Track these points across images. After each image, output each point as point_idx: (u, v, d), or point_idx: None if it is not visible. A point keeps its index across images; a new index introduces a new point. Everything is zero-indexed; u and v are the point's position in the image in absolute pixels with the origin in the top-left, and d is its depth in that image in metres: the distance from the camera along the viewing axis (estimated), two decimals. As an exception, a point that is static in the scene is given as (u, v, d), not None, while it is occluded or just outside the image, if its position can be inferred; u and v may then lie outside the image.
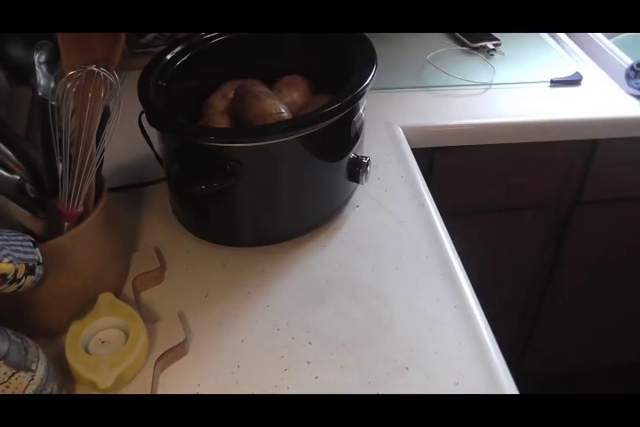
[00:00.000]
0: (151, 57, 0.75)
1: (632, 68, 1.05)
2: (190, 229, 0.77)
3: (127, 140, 0.75)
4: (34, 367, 0.52)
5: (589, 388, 1.55)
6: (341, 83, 0.70)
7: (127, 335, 0.61)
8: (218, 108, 0.77)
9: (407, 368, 0.62)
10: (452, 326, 0.66)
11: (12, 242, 0.51)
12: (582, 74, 1.10)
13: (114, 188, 0.80)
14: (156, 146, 0.77)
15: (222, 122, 0.74)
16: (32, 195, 0.61)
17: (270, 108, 0.70)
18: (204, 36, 0.78)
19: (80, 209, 0.61)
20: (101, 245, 0.65)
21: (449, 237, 0.77)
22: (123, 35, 0.59)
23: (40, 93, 0.63)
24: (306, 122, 0.66)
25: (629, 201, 1.19)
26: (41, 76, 0.64)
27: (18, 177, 0.60)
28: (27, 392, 0.51)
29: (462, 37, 1.19)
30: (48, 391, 0.54)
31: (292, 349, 0.64)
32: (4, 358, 0.50)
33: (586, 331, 1.45)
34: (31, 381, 0.52)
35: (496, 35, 1.19)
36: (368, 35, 0.77)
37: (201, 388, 0.60)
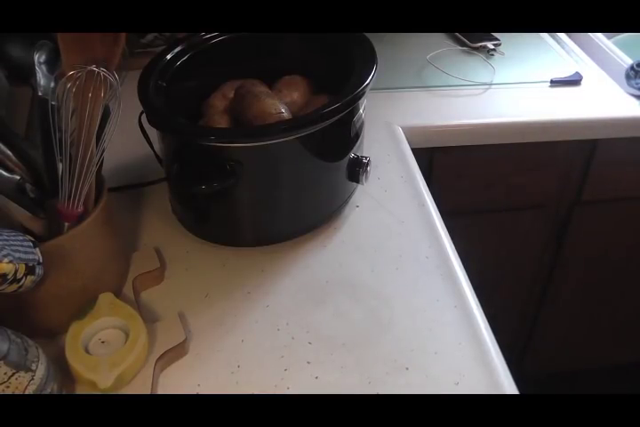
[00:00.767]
0: (151, 57, 0.75)
1: (632, 68, 1.05)
2: (190, 229, 0.76)
3: (127, 140, 0.75)
4: (34, 367, 0.52)
5: (589, 388, 1.55)
6: (341, 83, 0.70)
7: (127, 335, 0.61)
8: (218, 108, 0.77)
9: (407, 368, 0.62)
10: (451, 326, 0.66)
11: (11, 242, 0.51)
12: (582, 74, 1.10)
13: (114, 188, 0.80)
14: (156, 146, 0.77)
15: (222, 122, 0.74)
16: (32, 195, 0.61)
17: (270, 108, 0.70)
18: (203, 36, 0.78)
19: (80, 209, 0.61)
20: (101, 245, 0.65)
21: (449, 237, 0.77)
22: (123, 35, 0.59)
23: (40, 93, 0.63)
24: (306, 122, 0.66)
25: (629, 201, 1.19)
26: (41, 76, 0.64)
27: (18, 177, 0.60)
28: (27, 392, 0.51)
29: (462, 37, 1.19)
30: (48, 391, 0.54)
31: (292, 349, 0.64)
32: (4, 358, 0.50)
33: (586, 331, 1.45)
34: (31, 381, 0.52)
35: (496, 35, 1.19)
36: (368, 35, 0.77)
37: (201, 388, 0.60)
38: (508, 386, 0.60)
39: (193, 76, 0.78)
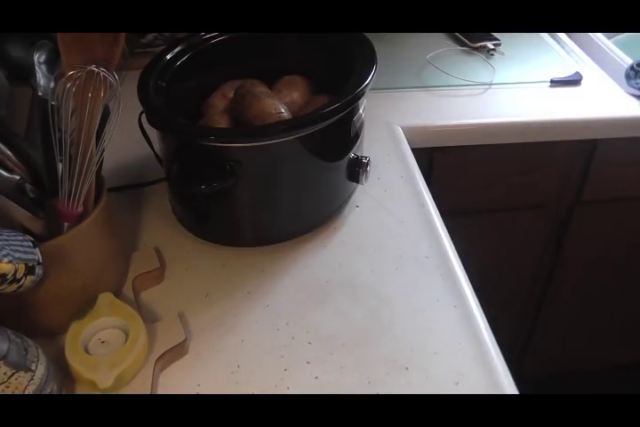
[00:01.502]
0: (151, 57, 0.75)
1: (632, 68, 1.05)
2: (190, 229, 0.77)
3: (127, 140, 0.75)
4: (33, 367, 0.52)
5: (589, 388, 1.55)
6: (341, 83, 0.70)
7: (127, 335, 0.61)
8: (218, 107, 0.77)
9: (407, 368, 0.62)
10: (451, 326, 0.66)
11: (11, 242, 0.51)
12: (582, 74, 1.10)
13: (114, 188, 0.80)
14: (156, 146, 0.77)
15: (222, 122, 0.74)
16: (32, 195, 0.61)
17: (270, 108, 0.70)
18: (203, 36, 0.78)
19: (80, 209, 0.61)
20: (101, 245, 0.65)
21: (449, 237, 0.77)
22: (122, 35, 0.59)
23: (40, 93, 0.63)
24: (305, 122, 0.66)
25: (629, 201, 1.19)
26: (41, 76, 0.64)
27: (18, 177, 0.60)
28: (26, 392, 0.51)
29: (462, 37, 1.19)
30: (48, 391, 0.54)
31: (292, 349, 0.64)
32: (4, 358, 0.50)
33: (586, 331, 1.45)
34: (31, 381, 0.52)
35: (496, 35, 1.19)
36: (368, 35, 0.77)
37: (201, 388, 0.60)
38: (508, 386, 0.60)
39: (193, 76, 0.78)
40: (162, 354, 0.62)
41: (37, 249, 0.54)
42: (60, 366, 0.58)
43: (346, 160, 0.74)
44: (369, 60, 0.72)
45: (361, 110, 0.73)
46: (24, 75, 0.70)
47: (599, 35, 1.21)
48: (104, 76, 0.57)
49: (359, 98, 0.69)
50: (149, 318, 0.66)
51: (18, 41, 0.84)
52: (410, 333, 0.65)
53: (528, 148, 1.04)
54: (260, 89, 0.73)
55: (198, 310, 0.68)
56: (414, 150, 0.93)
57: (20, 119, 0.67)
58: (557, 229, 1.21)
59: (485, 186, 1.11)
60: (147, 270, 0.70)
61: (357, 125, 0.74)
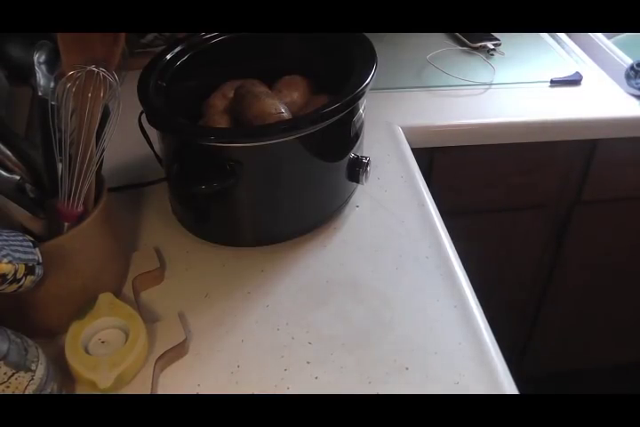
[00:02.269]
0: (151, 57, 0.75)
1: (632, 68, 1.05)
2: (190, 230, 0.77)
3: (127, 140, 0.75)
4: (34, 367, 0.52)
5: (589, 388, 1.55)
6: (341, 83, 0.70)
7: (127, 335, 0.61)
8: (218, 107, 0.77)
9: (407, 368, 0.62)
10: (452, 326, 0.66)
11: (11, 242, 0.51)
12: (582, 74, 1.10)
13: (114, 188, 0.80)
14: (156, 146, 0.77)
15: (222, 122, 0.74)
16: (32, 195, 0.61)
17: (270, 108, 0.70)
18: (203, 36, 0.78)
19: (80, 209, 0.61)
20: (101, 245, 0.65)
21: (449, 237, 0.77)
22: (122, 35, 0.59)
23: (40, 93, 0.63)
24: (305, 122, 0.66)
25: (629, 201, 1.19)
26: (41, 76, 0.64)
27: (18, 177, 0.60)
28: (26, 392, 0.51)
29: (462, 37, 1.19)
30: (48, 391, 0.54)
31: (292, 349, 0.64)
32: (4, 358, 0.50)
33: (586, 331, 1.45)
34: (31, 381, 0.52)
35: (496, 35, 1.19)
36: (368, 35, 0.77)
37: (201, 388, 0.60)
38: (508, 386, 0.60)
39: (193, 76, 0.78)
40: (162, 354, 0.62)
41: (37, 249, 0.54)
42: (60, 367, 0.58)
43: (346, 160, 0.74)
44: (369, 60, 0.72)
45: (361, 110, 0.73)
46: (24, 75, 0.70)
47: (599, 35, 1.21)
48: (104, 76, 0.57)
49: (359, 98, 0.69)
50: (149, 318, 0.66)
51: (18, 41, 0.84)
52: (410, 333, 0.65)
53: (528, 148, 1.04)
54: (260, 89, 0.73)
55: (198, 310, 0.68)
56: (414, 150, 0.93)
57: (20, 119, 0.67)
58: (557, 229, 1.21)
59: (485, 186, 1.11)
60: (147, 270, 0.70)
61: (357, 125, 0.74)
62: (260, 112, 0.70)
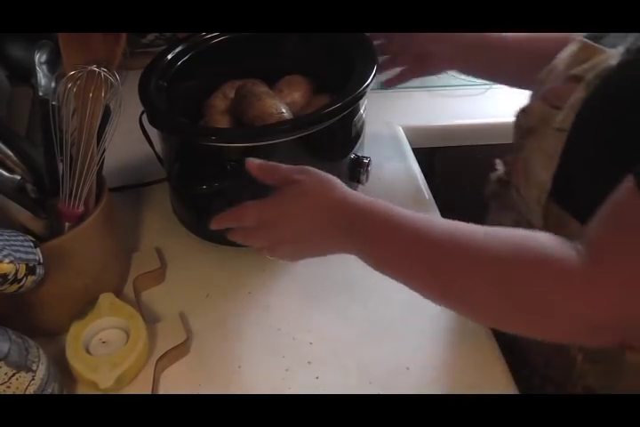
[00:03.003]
0: (152, 57, 0.75)
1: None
2: (191, 229, 0.76)
3: (128, 140, 0.75)
4: (34, 368, 0.52)
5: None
6: (342, 83, 0.70)
7: (128, 335, 0.61)
8: (218, 107, 0.77)
9: (407, 368, 0.62)
10: (452, 326, 0.66)
11: (12, 242, 0.51)
12: (583, 74, 1.10)
13: (115, 188, 0.80)
14: (157, 146, 0.77)
15: (223, 122, 0.74)
16: (33, 195, 0.61)
17: (271, 108, 0.70)
18: (204, 36, 0.78)
19: (81, 209, 0.61)
20: (102, 245, 0.65)
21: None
22: (123, 35, 0.59)
23: (41, 93, 0.63)
24: (306, 122, 0.66)
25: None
26: (42, 76, 0.64)
27: (18, 177, 0.60)
28: (27, 392, 0.51)
29: (463, 37, 1.19)
30: (49, 392, 0.54)
31: (293, 349, 0.64)
32: (5, 358, 0.50)
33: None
34: (32, 381, 0.52)
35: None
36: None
37: (202, 388, 0.60)
38: (508, 386, 0.60)
39: (193, 76, 0.78)
40: (163, 354, 0.62)
41: (38, 249, 0.54)
42: (61, 367, 0.58)
43: (347, 160, 0.74)
44: (369, 60, 0.72)
45: (362, 110, 0.73)
46: (25, 75, 0.70)
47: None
48: (105, 77, 0.57)
49: (360, 98, 0.69)
50: (150, 319, 0.66)
51: (19, 41, 0.84)
52: (410, 332, 0.65)
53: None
54: (261, 89, 0.73)
55: (199, 311, 0.68)
56: (414, 150, 0.93)
57: (21, 119, 0.67)
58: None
59: (485, 186, 1.10)
60: (148, 270, 0.70)
61: (358, 126, 0.74)
62: (260, 112, 0.69)
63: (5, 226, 0.57)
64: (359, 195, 0.56)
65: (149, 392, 0.59)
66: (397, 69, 0.83)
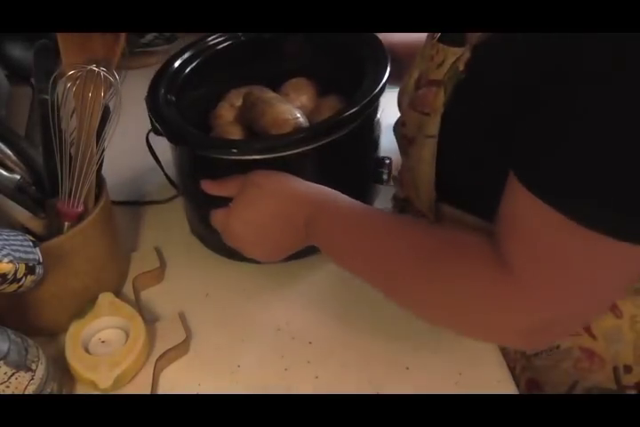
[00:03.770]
0: (151, 56, 0.74)
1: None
2: (208, 244, 0.74)
3: (127, 139, 0.74)
4: (34, 367, 0.52)
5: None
6: (351, 83, 0.67)
7: (127, 335, 0.61)
8: (226, 118, 0.74)
9: (407, 368, 0.62)
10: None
11: (12, 242, 0.51)
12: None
13: (119, 201, 0.79)
14: (162, 158, 0.76)
15: (234, 132, 0.71)
16: (32, 194, 0.61)
17: (286, 114, 0.66)
18: (202, 43, 0.75)
19: (80, 208, 0.61)
20: (101, 245, 0.65)
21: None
22: (123, 34, 0.59)
23: (40, 93, 0.63)
24: (331, 126, 0.62)
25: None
26: (41, 76, 0.64)
27: (18, 177, 0.60)
28: (26, 392, 0.51)
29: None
30: (48, 391, 0.54)
31: (293, 348, 0.64)
32: (4, 357, 0.50)
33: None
34: (31, 380, 0.52)
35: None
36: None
37: (201, 387, 0.60)
38: (508, 386, 0.60)
39: (196, 86, 0.74)
40: (162, 354, 0.62)
41: (38, 249, 0.54)
42: (61, 366, 0.58)
43: (369, 162, 0.71)
44: (381, 58, 0.69)
45: (380, 110, 0.70)
46: (24, 74, 0.70)
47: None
48: (104, 76, 0.57)
49: (379, 96, 0.65)
50: (150, 318, 0.66)
51: (18, 40, 0.84)
52: (410, 332, 0.65)
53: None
54: (270, 94, 0.71)
55: (198, 310, 0.68)
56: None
57: (21, 119, 0.67)
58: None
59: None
60: (147, 270, 0.70)
61: (377, 126, 0.71)
62: (275, 119, 0.66)
63: (5, 226, 0.57)
64: (308, 184, 0.59)
65: (149, 392, 0.59)
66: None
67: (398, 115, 0.69)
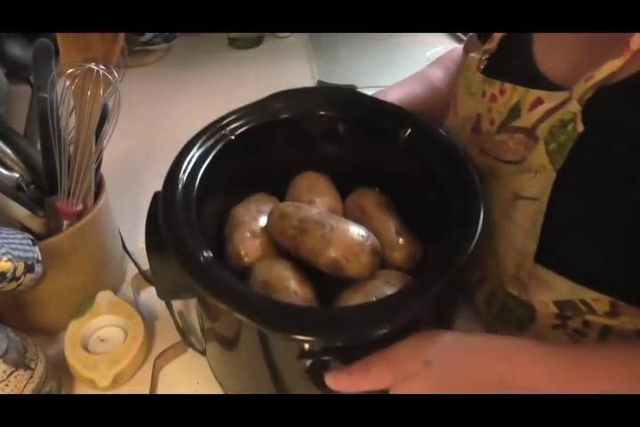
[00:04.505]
0: (150, 55, 0.73)
1: None
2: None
3: (127, 139, 0.74)
4: (33, 366, 0.52)
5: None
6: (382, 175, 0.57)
7: (126, 333, 0.61)
8: (247, 235, 0.56)
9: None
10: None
11: (10, 240, 0.51)
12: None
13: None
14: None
15: (257, 249, 0.56)
16: (31, 193, 0.61)
17: (358, 238, 0.52)
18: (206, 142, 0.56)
19: (79, 207, 0.61)
20: (100, 243, 0.65)
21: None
22: (122, 33, 0.59)
23: (39, 92, 0.63)
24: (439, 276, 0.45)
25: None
26: (40, 75, 0.64)
27: (17, 175, 0.60)
28: (25, 391, 0.51)
29: (462, 35, 1.19)
30: (47, 390, 0.54)
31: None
32: (3, 356, 0.50)
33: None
34: (30, 379, 0.52)
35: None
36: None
37: (200, 386, 0.60)
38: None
39: (211, 193, 0.55)
40: (161, 352, 0.62)
41: (36, 247, 0.54)
42: (60, 365, 0.58)
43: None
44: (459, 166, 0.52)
45: None
46: (23, 73, 0.70)
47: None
48: (103, 75, 0.57)
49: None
50: (149, 317, 0.66)
51: (17, 39, 0.84)
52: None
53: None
54: (312, 212, 0.55)
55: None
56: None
57: (20, 117, 0.67)
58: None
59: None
60: (146, 268, 0.70)
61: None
62: (346, 249, 0.51)
63: (4, 224, 0.57)
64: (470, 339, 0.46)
65: (148, 390, 0.59)
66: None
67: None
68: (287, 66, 1.14)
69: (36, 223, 0.61)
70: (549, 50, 0.52)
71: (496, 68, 0.55)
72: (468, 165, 0.52)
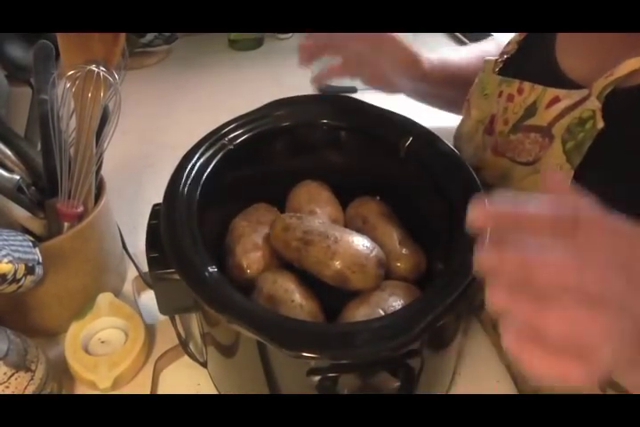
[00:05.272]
0: (150, 56, 0.73)
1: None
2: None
3: (127, 138, 0.74)
4: (33, 368, 0.52)
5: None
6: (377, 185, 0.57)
7: (127, 335, 0.61)
8: (253, 255, 0.56)
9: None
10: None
11: (11, 242, 0.51)
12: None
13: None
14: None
15: (260, 260, 0.56)
16: (32, 195, 0.61)
17: (362, 249, 0.51)
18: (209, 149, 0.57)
19: (80, 209, 0.61)
20: (101, 245, 0.65)
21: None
22: (122, 35, 0.59)
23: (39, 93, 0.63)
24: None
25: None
26: (40, 76, 0.64)
27: (17, 177, 0.60)
28: (26, 392, 0.51)
29: (461, 36, 1.19)
30: (48, 391, 0.54)
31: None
32: (4, 358, 0.50)
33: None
34: (31, 381, 0.52)
35: (495, 35, 1.19)
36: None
37: (201, 387, 0.60)
38: (508, 386, 0.60)
39: (213, 206, 0.56)
40: (162, 354, 0.62)
41: (37, 249, 0.54)
42: (60, 367, 0.58)
43: None
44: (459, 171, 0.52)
45: None
46: (23, 75, 0.70)
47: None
48: (104, 76, 0.57)
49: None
50: (149, 319, 0.66)
51: (17, 41, 0.84)
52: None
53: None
54: (314, 223, 0.54)
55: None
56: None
57: (20, 119, 0.67)
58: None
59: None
60: (147, 270, 0.70)
61: None
62: (350, 262, 0.51)
63: (4, 226, 0.57)
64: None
65: (148, 392, 0.59)
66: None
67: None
68: (287, 67, 1.14)
69: (36, 225, 0.61)
70: (572, 49, 0.51)
71: (514, 69, 0.54)
72: (471, 173, 0.52)
